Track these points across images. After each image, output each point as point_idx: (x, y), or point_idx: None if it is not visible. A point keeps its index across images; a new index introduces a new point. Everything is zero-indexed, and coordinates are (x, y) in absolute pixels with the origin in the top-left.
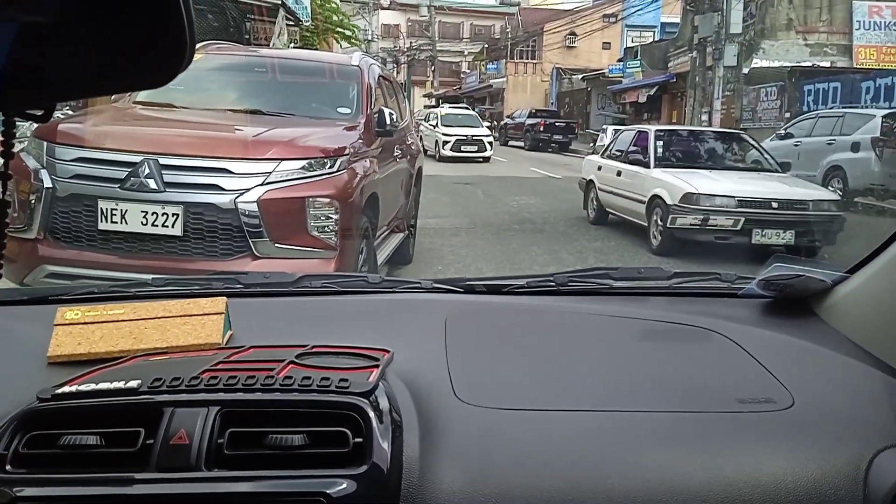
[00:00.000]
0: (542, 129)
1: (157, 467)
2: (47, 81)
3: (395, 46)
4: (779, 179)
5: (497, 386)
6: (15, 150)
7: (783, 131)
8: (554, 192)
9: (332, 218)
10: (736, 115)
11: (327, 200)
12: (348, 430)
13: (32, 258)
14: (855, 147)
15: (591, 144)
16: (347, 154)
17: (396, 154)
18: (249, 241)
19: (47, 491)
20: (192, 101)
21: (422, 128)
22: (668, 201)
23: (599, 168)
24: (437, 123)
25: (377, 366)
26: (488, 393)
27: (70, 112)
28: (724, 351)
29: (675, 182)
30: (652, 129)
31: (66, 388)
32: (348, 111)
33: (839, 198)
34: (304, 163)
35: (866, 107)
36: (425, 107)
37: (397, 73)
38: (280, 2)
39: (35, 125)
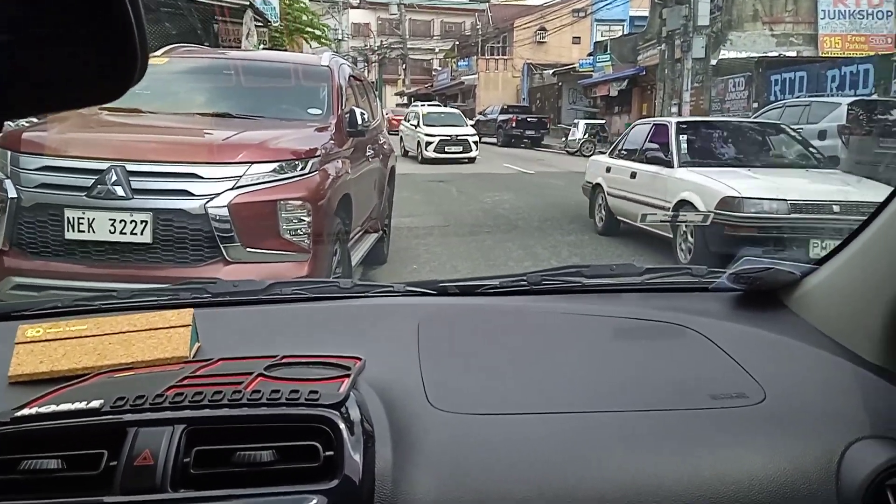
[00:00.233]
0: (514, 124)
1: (122, 490)
2: None
3: (365, 45)
4: (832, 177)
5: (470, 391)
6: None
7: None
8: (527, 188)
9: (304, 220)
10: (705, 107)
11: (299, 203)
12: (319, 443)
13: None
14: (822, 135)
15: (563, 139)
16: (319, 155)
17: (369, 154)
18: (221, 246)
19: None
20: (159, 106)
21: (402, 128)
22: (702, 207)
23: (608, 170)
24: (418, 123)
25: (348, 375)
26: (461, 398)
27: (34, 120)
28: (696, 347)
29: (709, 184)
30: (672, 121)
31: (26, 411)
32: (319, 112)
33: None
34: (274, 165)
35: (832, 95)
36: (397, 105)
37: (368, 72)
38: (248, 3)
39: None
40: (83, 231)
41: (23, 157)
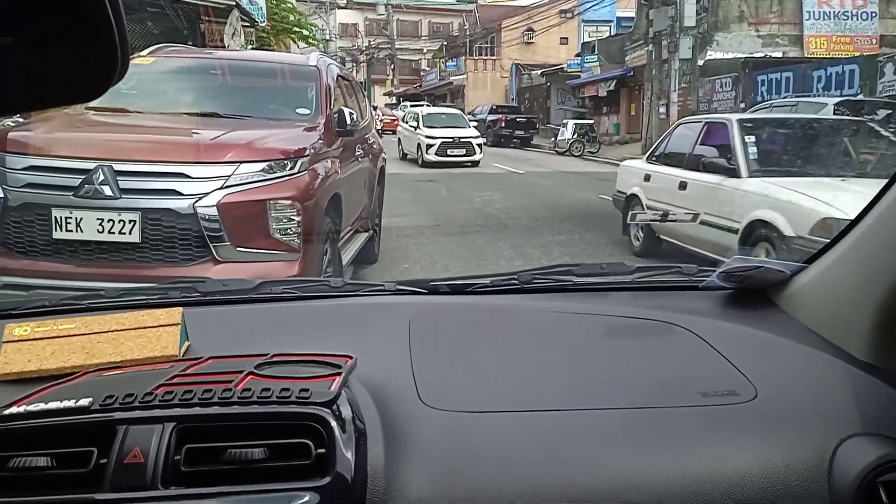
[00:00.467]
0: (503, 125)
1: (112, 487)
2: None
3: (353, 45)
4: None
5: (462, 388)
6: None
7: None
8: (516, 188)
9: (294, 220)
10: (692, 107)
11: (289, 202)
12: (310, 441)
13: None
14: None
15: (553, 139)
16: (308, 155)
17: (358, 153)
18: (210, 245)
19: None
20: (146, 106)
21: (400, 129)
22: (789, 232)
23: (647, 178)
24: (418, 124)
25: (339, 373)
26: (453, 396)
27: (20, 119)
28: (687, 345)
29: (797, 199)
30: (734, 118)
31: (15, 409)
32: (307, 112)
33: None
34: (263, 165)
35: (818, 95)
36: (386, 105)
37: (357, 72)
38: (234, 3)
39: None
40: (71, 231)
41: (9, 157)
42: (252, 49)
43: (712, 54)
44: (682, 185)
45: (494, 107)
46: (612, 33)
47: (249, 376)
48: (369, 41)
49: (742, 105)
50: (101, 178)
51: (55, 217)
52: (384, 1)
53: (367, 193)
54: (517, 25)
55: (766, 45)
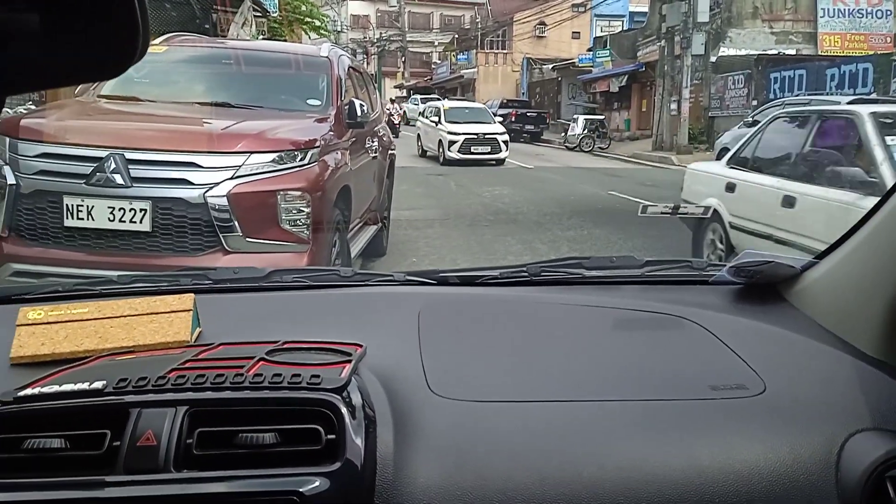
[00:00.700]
0: (513, 119)
1: (125, 469)
2: None
3: (364, 37)
4: None
5: (471, 378)
6: None
7: (751, 119)
8: (526, 183)
9: (303, 211)
10: (704, 104)
11: (299, 193)
12: (321, 427)
13: None
14: None
15: (563, 134)
16: (318, 146)
17: (368, 146)
18: (220, 235)
19: (11, 496)
20: (158, 95)
21: (419, 124)
22: None
23: (730, 188)
24: (440, 119)
25: (349, 361)
26: (462, 385)
27: (33, 107)
28: (696, 338)
29: None
30: (864, 111)
31: (29, 391)
32: (318, 103)
33: None
34: (274, 155)
35: (831, 94)
36: (397, 97)
37: (367, 64)
38: None
39: None
40: (82, 218)
41: (21, 144)
42: (264, 39)
43: (725, 51)
44: (789, 202)
45: (505, 101)
46: (625, 28)
47: (261, 362)
48: (380, 33)
49: (754, 102)
50: (113, 166)
51: (67, 205)
52: None
53: (377, 186)
54: (529, 19)
55: (779, 43)
